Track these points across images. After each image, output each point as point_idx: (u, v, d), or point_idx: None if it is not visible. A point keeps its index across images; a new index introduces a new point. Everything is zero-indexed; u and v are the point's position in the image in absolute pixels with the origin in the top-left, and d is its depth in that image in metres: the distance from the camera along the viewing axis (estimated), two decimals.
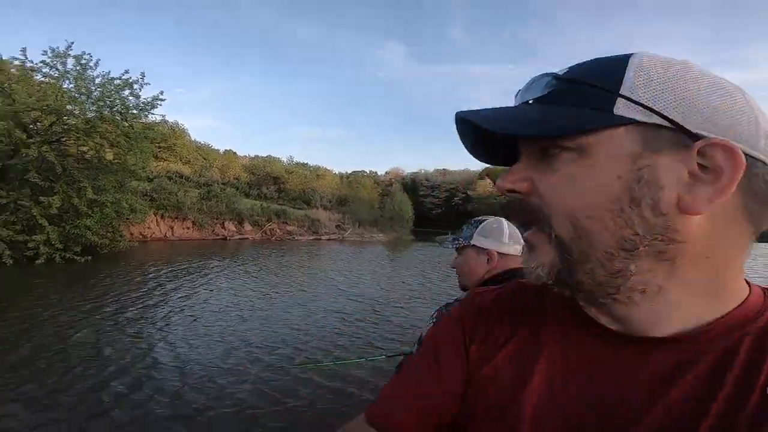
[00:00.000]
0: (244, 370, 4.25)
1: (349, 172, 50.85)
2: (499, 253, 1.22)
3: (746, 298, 0.36)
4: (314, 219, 25.62)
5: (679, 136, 0.32)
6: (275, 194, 32.22)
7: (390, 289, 9.53)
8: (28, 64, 10.39)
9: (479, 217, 1.33)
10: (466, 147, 0.42)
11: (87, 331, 5.09)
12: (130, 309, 6.34)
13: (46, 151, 9.73)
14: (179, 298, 7.24)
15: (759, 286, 0.38)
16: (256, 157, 39.29)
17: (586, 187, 0.34)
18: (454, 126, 0.40)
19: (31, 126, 10.43)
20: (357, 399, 3.71)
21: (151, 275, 9.27)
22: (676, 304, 0.35)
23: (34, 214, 9.64)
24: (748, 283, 0.37)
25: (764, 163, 0.33)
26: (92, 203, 10.82)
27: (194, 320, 5.91)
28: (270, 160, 38.38)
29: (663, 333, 0.35)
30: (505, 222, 1.26)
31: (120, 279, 8.68)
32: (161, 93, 12.43)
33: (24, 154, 9.66)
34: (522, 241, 1.27)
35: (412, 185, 58.25)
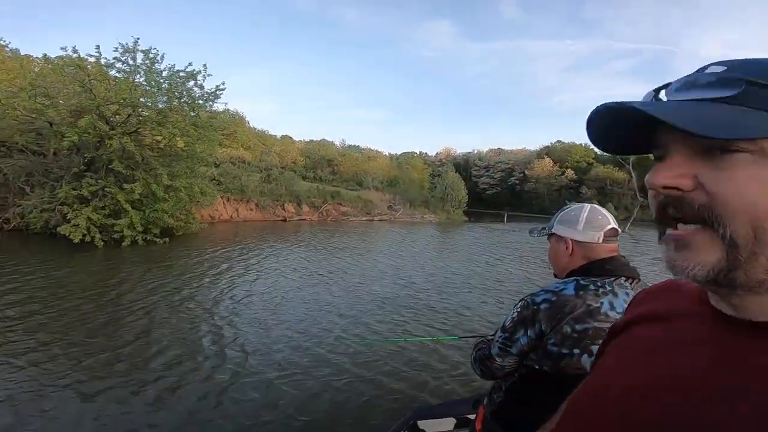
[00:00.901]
0: (321, 341, 4.46)
1: (400, 153, 50.70)
2: (574, 240, 1.17)
3: None
4: (366, 200, 25.95)
5: None
6: (330, 176, 32.96)
7: (436, 274, 9.40)
8: (102, 61, 11.27)
9: (567, 205, 1.28)
10: (597, 134, 0.43)
11: (164, 309, 5.55)
12: (203, 287, 6.84)
13: (126, 142, 10.63)
14: (246, 276, 7.68)
15: None
16: (311, 141, 40.35)
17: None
18: (593, 111, 0.40)
19: (111, 119, 11.41)
20: (437, 372, 3.88)
21: (221, 254, 9.93)
22: None
23: (120, 199, 10.63)
24: None
25: None
26: (168, 188, 11.72)
27: (268, 298, 6.26)
28: (324, 143, 39.23)
29: None
30: (584, 208, 1.20)
31: (194, 258, 9.39)
32: (223, 83, 13.04)
33: (108, 146, 10.61)
34: (602, 228, 1.06)
35: (465, 165, 56.81)
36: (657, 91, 0.41)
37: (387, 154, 46.14)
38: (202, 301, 6.00)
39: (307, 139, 41.17)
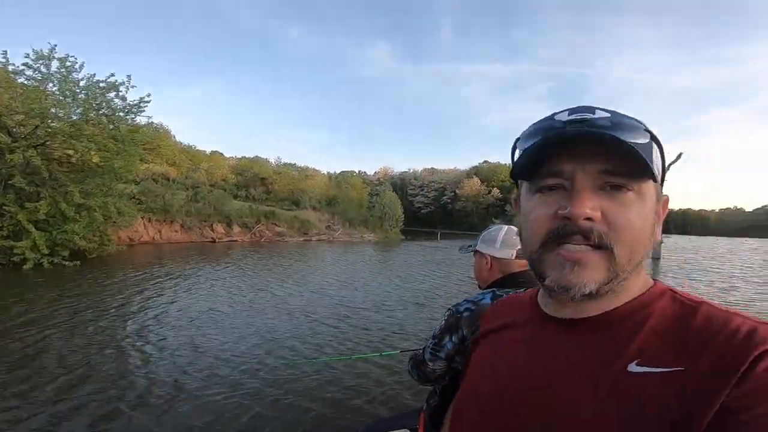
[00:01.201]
0: (247, 368, 4.32)
1: (338, 172, 50.88)
2: (492, 257, 1.36)
3: (648, 289, 0.49)
4: (303, 220, 25.59)
5: (660, 190, 0.49)
6: (263, 195, 32.05)
7: (378, 291, 9.64)
8: (10, 67, 10.21)
9: (491, 224, 1.50)
10: (530, 159, 0.47)
11: (69, 335, 5.09)
12: (115, 313, 6.31)
13: (31, 156, 9.59)
14: (164, 302, 7.21)
15: (661, 282, 0.51)
16: (243, 158, 39.03)
17: (643, 222, 0.45)
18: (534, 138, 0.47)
19: (14, 129, 10.25)
20: (386, 385, 3.97)
21: (137, 279, 9.21)
22: (623, 292, 0.47)
23: (20, 219, 9.49)
24: (655, 280, 0.51)
25: None
26: (79, 207, 10.69)
27: (185, 323, 5.94)
28: (257, 161, 38.13)
29: (598, 312, 0.47)
30: (502, 229, 1.41)
31: (107, 283, 8.61)
32: (148, 95, 12.37)
33: (9, 159, 9.49)
34: (515, 246, 1.39)
35: (401, 184, 58.52)
36: (567, 123, 0.47)
37: (325, 172, 46.02)
38: (115, 328, 5.56)
39: (239, 156, 39.82)
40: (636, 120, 0.47)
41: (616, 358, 0.43)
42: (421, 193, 58.21)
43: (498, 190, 48.71)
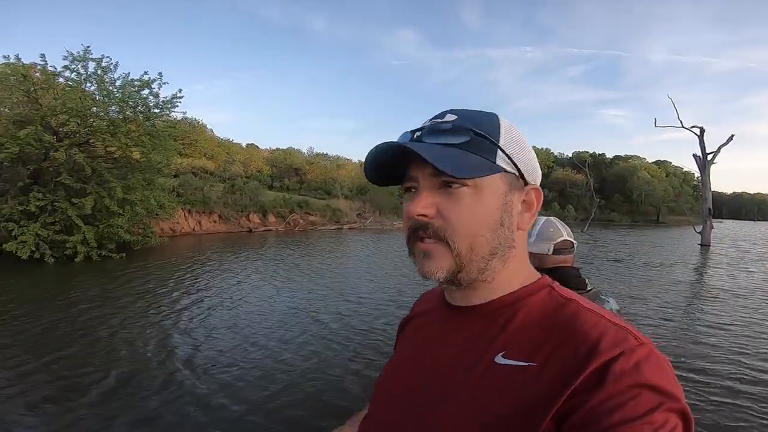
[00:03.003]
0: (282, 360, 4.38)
1: None
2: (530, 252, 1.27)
3: (531, 283, 0.52)
4: (335, 209, 25.83)
5: (520, 182, 0.51)
6: (297, 185, 32.62)
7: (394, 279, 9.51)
8: (50, 69, 10.75)
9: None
10: (373, 168, 0.52)
11: (119, 325, 5.34)
12: (160, 302, 6.60)
13: (74, 154, 10.13)
14: (207, 291, 7.48)
15: (547, 277, 0.54)
16: (277, 149, 39.81)
17: (479, 214, 0.48)
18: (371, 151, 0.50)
19: (59, 129, 10.86)
20: None
21: (180, 269, 9.60)
22: (499, 284, 0.51)
23: (70, 214, 10.10)
24: (542, 275, 0.54)
25: None
26: (123, 202, 11.25)
27: (228, 312, 6.11)
28: (291, 151, 38.80)
29: (482, 301, 0.52)
30: (540, 221, 1.30)
31: (152, 274, 9.04)
32: (180, 91, 12.72)
33: (54, 158, 10.08)
34: (552, 240, 1.21)
35: None
36: (413, 132, 0.51)
37: (356, 161, 46.17)
38: (162, 316, 5.81)
39: (274, 147, 40.63)
40: (482, 115, 0.51)
41: (488, 348, 0.47)
42: None
43: None
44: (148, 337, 4.99)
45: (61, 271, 9.04)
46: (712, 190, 19.86)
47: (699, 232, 19.49)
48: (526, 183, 0.51)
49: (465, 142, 0.48)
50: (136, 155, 12.02)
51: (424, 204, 0.48)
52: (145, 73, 11.92)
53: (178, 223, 17.24)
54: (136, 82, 11.76)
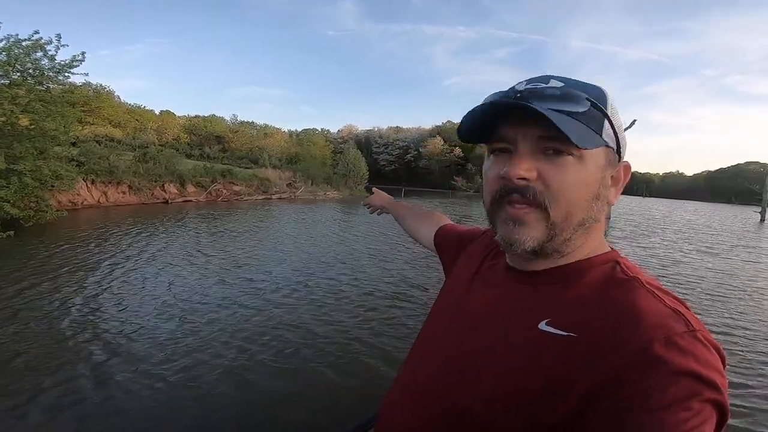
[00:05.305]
0: (201, 344, 4.48)
1: (300, 130, 49.33)
2: None
3: (597, 255, 0.51)
4: (263, 178, 25.03)
5: (616, 157, 0.51)
6: (219, 154, 30.91)
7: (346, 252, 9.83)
8: None
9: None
10: (471, 125, 0.50)
11: (7, 313, 5.01)
12: (57, 284, 6.16)
13: None
14: (112, 269, 7.15)
15: (616, 252, 0.53)
16: (196, 116, 37.01)
17: (582, 184, 0.47)
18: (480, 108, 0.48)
19: None
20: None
21: (80, 246, 8.92)
22: (570, 253, 0.50)
23: None
24: (612, 249, 0.54)
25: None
26: (8, 172, 10.01)
27: (131, 291, 5.97)
28: (212, 119, 36.30)
29: (546, 267, 0.51)
30: None
31: (46, 252, 8.31)
32: (82, 53, 11.38)
33: None
34: None
35: (366, 142, 57.70)
36: (513, 92, 0.49)
37: (286, 130, 44.55)
38: (59, 301, 5.36)
39: (192, 115, 37.69)
40: (591, 87, 0.49)
41: (535, 313, 0.47)
42: (386, 151, 57.85)
43: (460, 149, 49.23)
44: (33, 324, 4.64)
45: None
46: None
47: None
48: (620, 159, 0.51)
49: (583, 112, 0.46)
50: (24, 122, 10.64)
51: (526, 167, 0.47)
52: (36, 32, 10.45)
53: (79, 194, 15.69)
54: (24, 43, 10.29)
